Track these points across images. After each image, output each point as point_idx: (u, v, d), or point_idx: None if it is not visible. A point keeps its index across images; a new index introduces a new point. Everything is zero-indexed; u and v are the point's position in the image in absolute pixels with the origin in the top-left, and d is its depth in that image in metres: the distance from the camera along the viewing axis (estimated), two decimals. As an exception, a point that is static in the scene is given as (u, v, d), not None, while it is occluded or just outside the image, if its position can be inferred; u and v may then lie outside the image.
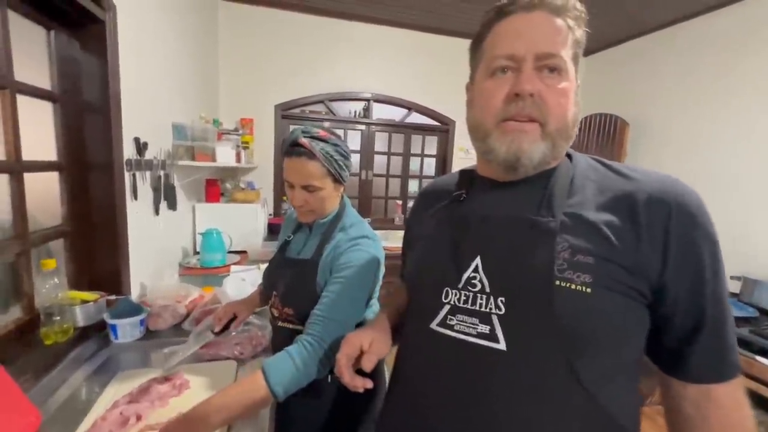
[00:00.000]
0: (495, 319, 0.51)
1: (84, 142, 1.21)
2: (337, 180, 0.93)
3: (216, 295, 1.37)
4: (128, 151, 1.33)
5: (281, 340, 1.00)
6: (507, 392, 0.50)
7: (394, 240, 3.34)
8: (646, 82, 2.97)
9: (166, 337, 1.20)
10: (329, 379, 0.94)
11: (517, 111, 0.52)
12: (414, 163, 3.53)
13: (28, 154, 1.01)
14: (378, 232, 0.98)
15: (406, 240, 0.78)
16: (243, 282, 1.55)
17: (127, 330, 1.14)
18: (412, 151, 3.48)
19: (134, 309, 1.19)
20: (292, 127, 3.11)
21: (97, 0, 1.11)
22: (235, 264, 1.98)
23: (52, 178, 1.15)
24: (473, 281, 0.54)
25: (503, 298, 0.51)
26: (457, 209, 0.63)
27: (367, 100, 3.20)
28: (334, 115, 3.18)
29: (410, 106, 3.31)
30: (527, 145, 0.53)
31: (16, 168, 0.98)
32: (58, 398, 0.88)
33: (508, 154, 0.54)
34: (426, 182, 3.56)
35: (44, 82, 1.09)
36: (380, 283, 0.98)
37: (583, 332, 0.47)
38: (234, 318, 1.06)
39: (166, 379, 0.91)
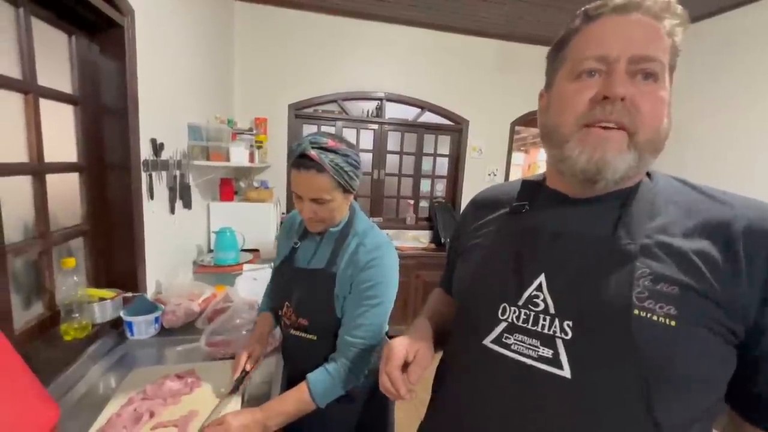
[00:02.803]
0: (559, 344, 0.48)
1: (103, 143, 1.24)
2: (347, 190, 0.91)
3: (228, 294, 1.40)
4: (145, 152, 1.36)
5: (293, 347, 1.02)
6: (567, 424, 0.47)
7: (405, 240, 3.34)
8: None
9: (180, 335, 1.22)
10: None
11: (603, 115, 0.47)
12: (426, 163, 3.51)
13: (49, 156, 1.05)
14: (389, 232, 0.98)
15: (454, 249, 0.73)
16: (255, 281, 1.58)
17: (142, 327, 1.17)
18: (424, 151, 3.46)
19: (150, 307, 1.22)
20: (305, 127, 3.14)
21: (116, 5, 1.13)
22: (247, 262, 2.01)
23: (73, 178, 1.19)
24: (535, 300, 0.51)
25: (570, 322, 0.47)
26: (520, 221, 0.59)
27: (380, 99, 3.20)
28: (347, 114, 3.19)
29: (423, 106, 3.29)
30: (611, 156, 0.47)
31: (39, 169, 1.02)
32: (76, 393, 0.92)
33: (588, 164, 0.48)
34: (438, 182, 3.57)
35: (65, 86, 1.13)
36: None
37: (667, 370, 0.43)
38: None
39: (178, 376, 0.93)
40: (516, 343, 0.51)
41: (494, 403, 0.53)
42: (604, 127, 0.47)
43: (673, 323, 0.43)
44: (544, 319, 0.50)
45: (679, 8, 0.48)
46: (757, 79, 2.35)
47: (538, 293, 0.51)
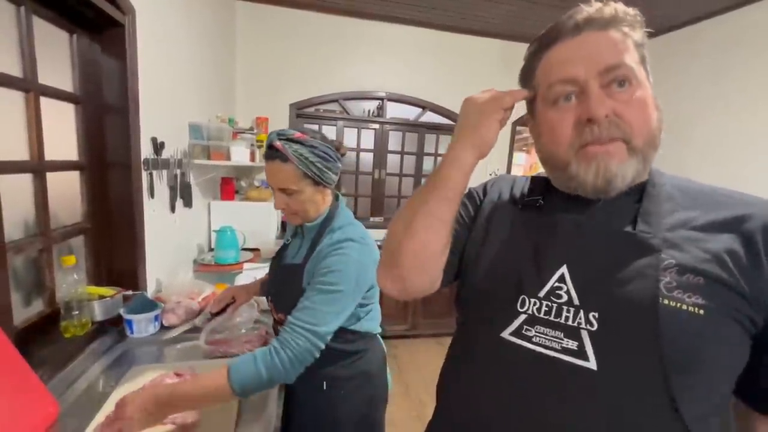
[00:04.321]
0: (585, 335, 0.48)
1: (104, 142, 1.24)
2: (318, 182, 0.91)
3: (228, 293, 1.40)
4: (146, 151, 1.36)
5: None
6: (590, 416, 0.47)
7: (406, 239, 3.33)
8: (669, 80, 2.86)
9: (180, 333, 1.22)
10: (324, 386, 0.95)
11: (594, 137, 0.49)
12: (428, 163, 3.51)
13: (50, 154, 1.05)
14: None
15: (475, 204, 0.68)
16: (254, 280, 1.58)
17: (142, 325, 1.18)
18: (425, 151, 3.46)
19: (149, 305, 1.22)
20: (306, 127, 3.14)
21: (117, 4, 1.14)
22: (248, 261, 2.02)
23: (73, 177, 1.19)
24: (558, 292, 0.51)
25: (596, 314, 0.48)
26: (536, 215, 0.59)
27: (382, 99, 3.20)
28: (348, 114, 3.19)
29: (425, 105, 3.28)
30: (616, 167, 0.49)
31: (39, 168, 1.02)
32: (76, 390, 0.92)
33: (596, 180, 0.50)
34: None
35: (66, 85, 1.13)
36: (375, 287, 0.96)
37: (694, 360, 0.44)
38: (233, 301, 1.10)
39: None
40: (537, 335, 0.51)
41: (514, 395, 0.52)
42: (600, 143, 0.49)
43: (701, 312, 0.43)
44: (568, 311, 0.49)
45: (628, 11, 0.50)
46: (757, 80, 2.34)
47: (561, 285, 0.51)
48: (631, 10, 0.50)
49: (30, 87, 0.97)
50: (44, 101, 1.02)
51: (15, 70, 0.94)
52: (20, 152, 0.98)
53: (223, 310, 1.08)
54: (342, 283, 0.84)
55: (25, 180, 1.00)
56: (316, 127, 3.14)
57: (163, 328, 1.23)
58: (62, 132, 1.14)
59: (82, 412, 0.83)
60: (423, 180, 3.52)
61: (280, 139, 0.86)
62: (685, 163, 2.71)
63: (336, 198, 1.01)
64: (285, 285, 0.96)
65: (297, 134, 0.87)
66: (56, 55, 1.10)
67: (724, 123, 2.52)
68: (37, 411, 0.76)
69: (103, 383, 0.97)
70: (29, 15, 0.96)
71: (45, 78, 1.02)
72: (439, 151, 3.50)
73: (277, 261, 1.04)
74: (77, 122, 1.18)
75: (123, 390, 0.90)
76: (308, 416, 0.96)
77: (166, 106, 1.57)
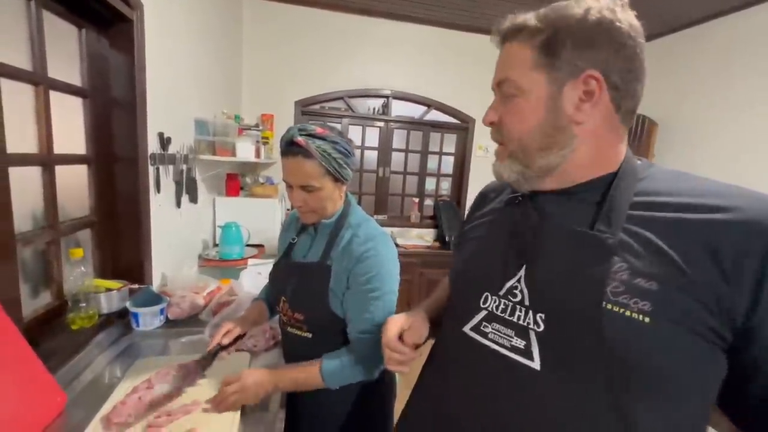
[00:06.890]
0: (532, 335, 0.49)
1: (111, 136, 1.25)
2: (338, 179, 0.90)
3: (232, 288, 1.41)
4: (152, 146, 1.37)
5: (291, 344, 1.02)
6: (535, 414, 0.47)
7: (409, 238, 3.33)
8: (677, 80, 2.84)
9: (185, 327, 1.24)
10: None
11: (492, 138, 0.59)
12: (432, 161, 3.50)
13: (59, 148, 1.06)
14: (394, 230, 0.97)
15: (459, 240, 0.75)
16: (259, 275, 1.59)
17: (147, 318, 1.19)
18: (430, 149, 3.46)
19: (155, 298, 1.23)
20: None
21: (125, -1, 1.14)
22: (252, 257, 2.03)
23: (81, 170, 1.20)
24: (514, 291, 0.52)
25: (543, 315, 0.48)
26: (511, 213, 0.60)
27: (387, 97, 3.20)
28: (353, 111, 3.19)
29: (429, 104, 3.28)
30: (497, 166, 0.58)
31: (48, 161, 1.03)
32: (83, 381, 0.93)
33: (494, 175, 0.60)
34: (444, 180, 3.56)
35: (75, 79, 1.14)
36: None
37: (639, 368, 0.42)
38: (242, 335, 1.01)
39: (180, 367, 0.94)
40: (493, 332, 0.53)
41: (470, 389, 0.54)
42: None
43: (647, 320, 0.42)
44: (520, 311, 0.51)
45: (528, 20, 0.51)
46: (764, 79, 2.31)
47: (517, 284, 0.53)
48: (532, 19, 0.50)
49: (39, 80, 0.98)
50: (53, 95, 1.03)
51: (25, 63, 0.95)
52: (30, 145, 0.99)
53: (233, 343, 0.97)
54: (387, 282, 0.89)
55: (34, 173, 1.01)
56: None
57: (169, 322, 1.24)
58: (70, 126, 1.15)
59: (89, 403, 0.84)
60: (427, 179, 3.52)
61: (302, 135, 0.84)
62: (694, 162, 2.68)
63: (345, 195, 1.01)
64: (303, 284, 0.94)
65: (319, 129, 0.86)
66: (65, 50, 1.11)
67: (736, 122, 2.49)
68: (45, 401, 0.77)
69: (109, 375, 0.98)
70: (39, 9, 0.97)
71: (54, 72, 1.03)
72: (444, 150, 3.49)
73: (286, 259, 1.02)
74: (85, 116, 1.19)
75: (128, 382, 0.91)
76: (319, 408, 0.96)
77: (173, 102, 1.57)
